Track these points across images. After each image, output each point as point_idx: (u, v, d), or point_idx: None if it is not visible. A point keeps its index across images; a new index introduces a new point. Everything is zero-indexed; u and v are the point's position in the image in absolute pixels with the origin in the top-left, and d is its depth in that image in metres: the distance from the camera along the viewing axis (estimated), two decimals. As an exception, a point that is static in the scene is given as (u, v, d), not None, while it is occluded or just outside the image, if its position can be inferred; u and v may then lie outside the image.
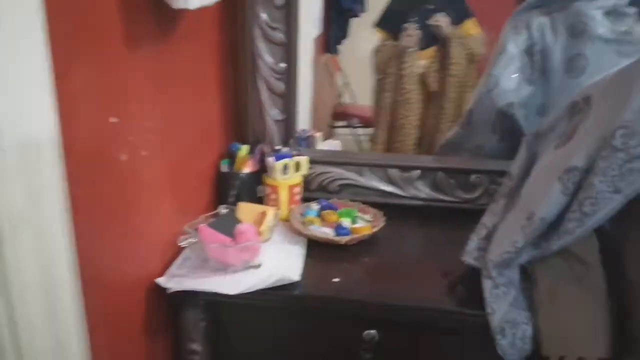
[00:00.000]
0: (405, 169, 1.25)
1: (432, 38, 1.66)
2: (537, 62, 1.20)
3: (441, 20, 1.63)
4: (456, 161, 1.26)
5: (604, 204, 0.72)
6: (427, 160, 1.28)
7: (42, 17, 0.61)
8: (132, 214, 0.88)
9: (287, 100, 1.25)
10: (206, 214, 1.06)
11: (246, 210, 1.08)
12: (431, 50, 1.69)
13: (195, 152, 1.13)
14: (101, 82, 0.76)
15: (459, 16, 1.72)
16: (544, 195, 0.78)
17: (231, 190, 1.17)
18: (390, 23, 1.72)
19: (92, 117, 0.74)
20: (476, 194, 1.23)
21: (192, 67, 1.07)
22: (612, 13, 1.17)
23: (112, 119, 0.79)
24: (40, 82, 0.62)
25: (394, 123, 1.69)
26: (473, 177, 1.23)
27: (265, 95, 1.24)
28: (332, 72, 2.26)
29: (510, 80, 1.21)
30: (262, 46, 1.20)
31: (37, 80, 0.62)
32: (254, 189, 1.21)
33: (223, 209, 1.08)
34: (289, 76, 1.23)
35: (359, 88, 1.91)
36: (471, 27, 1.75)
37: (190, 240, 0.98)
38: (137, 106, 0.86)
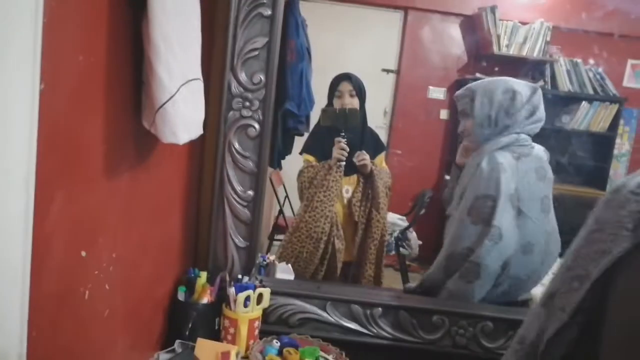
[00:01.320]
0: (367, 305, 1.23)
1: (352, 166, 1.76)
2: (521, 205, 1.24)
3: (366, 158, 1.74)
4: (417, 300, 1.26)
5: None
6: (389, 298, 1.27)
7: (33, 155, 0.57)
8: (87, 354, 0.78)
9: (252, 227, 1.22)
10: (160, 351, 0.96)
11: (206, 348, 0.99)
12: (354, 179, 1.79)
13: (153, 278, 1.05)
14: (78, 213, 0.70)
15: (375, 150, 1.87)
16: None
17: (187, 321, 1.08)
18: (316, 148, 1.81)
19: (63, 252, 0.68)
20: (438, 335, 1.22)
21: (160, 192, 1.04)
22: None
23: (83, 253, 0.73)
24: (20, 217, 0.57)
25: (298, 228, 1.71)
26: (435, 318, 1.23)
27: (230, 221, 1.21)
28: (275, 187, 2.30)
29: (509, 230, 1.22)
30: (232, 173, 1.20)
31: (16, 215, 0.57)
32: (212, 321, 1.13)
33: (179, 346, 0.99)
34: (255, 204, 1.22)
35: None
36: (382, 160, 1.90)
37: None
38: (107, 237, 0.80)
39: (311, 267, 1.72)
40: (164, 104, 0.79)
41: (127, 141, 0.84)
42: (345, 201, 1.81)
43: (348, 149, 1.71)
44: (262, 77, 1.19)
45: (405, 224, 2.20)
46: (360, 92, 1.81)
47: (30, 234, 0.58)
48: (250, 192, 1.21)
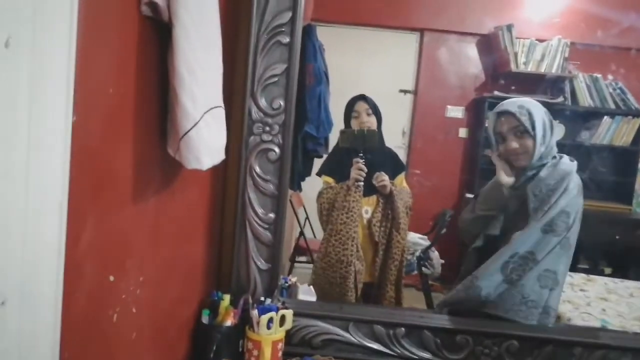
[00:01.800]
0: (390, 325, 1.23)
1: (371, 187, 1.77)
2: None
3: (385, 179, 1.75)
4: (441, 320, 1.25)
5: None
6: (412, 318, 1.26)
7: (66, 182, 0.60)
8: (114, 379, 0.80)
9: (274, 250, 1.24)
10: (185, 375, 0.97)
11: (230, 370, 1.00)
12: (373, 200, 1.79)
13: (178, 301, 1.07)
14: (107, 238, 0.73)
15: (395, 170, 1.87)
16: None
17: (212, 344, 1.09)
18: (335, 169, 1.83)
19: (93, 276, 0.70)
20: (462, 354, 1.21)
21: (184, 216, 1.07)
22: None
23: (111, 278, 0.75)
24: (54, 243, 0.60)
25: (326, 253, 1.72)
26: (459, 338, 1.22)
27: (252, 244, 1.23)
28: (295, 208, 2.32)
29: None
30: (253, 196, 1.23)
31: (51, 241, 0.59)
32: (236, 343, 1.14)
33: (204, 369, 1.00)
34: (277, 226, 1.24)
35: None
36: (403, 180, 1.90)
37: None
38: (135, 261, 0.83)
39: (345, 291, 1.73)
40: (188, 131, 0.82)
41: (153, 167, 0.87)
42: (365, 222, 1.82)
43: (366, 170, 1.72)
44: (282, 102, 1.22)
45: (426, 243, 2.19)
46: (376, 111, 1.84)
47: (63, 259, 0.60)
48: (272, 215, 1.23)
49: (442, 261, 2.19)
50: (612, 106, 2.74)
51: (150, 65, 0.82)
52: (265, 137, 1.23)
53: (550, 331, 1.26)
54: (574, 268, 1.96)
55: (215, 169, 1.19)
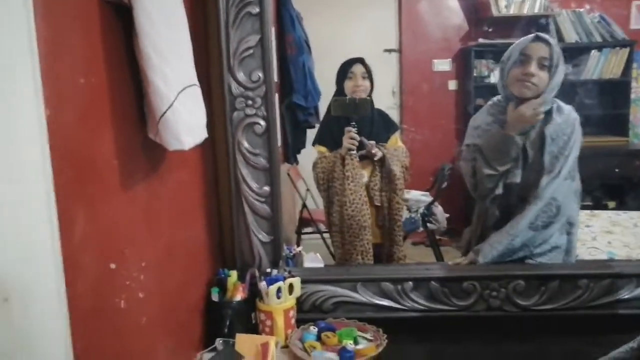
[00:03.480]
0: (397, 281, 1.25)
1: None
2: None
3: (376, 150, 1.74)
4: (446, 270, 1.27)
5: None
6: (418, 271, 1.28)
7: (48, 165, 0.60)
8: (130, 363, 0.81)
9: (274, 222, 1.25)
10: (203, 351, 0.99)
11: (246, 342, 1.02)
12: (369, 164, 1.79)
13: (185, 283, 1.09)
14: (100, 228, 0.74)
15: (388, 131, 1.87)
16: None
17: (224, 320, 1.11)
18: (327, 138, 1.83)
19: (93, 266, 0.71)
20: (471, 300, 1.23)
21: (178, 198, 1.07)
22: None
23: (112, 265, 0.76)
24: (47, 234, 0.60)
25: (344, 225, 1.73)
26: (465, 284, 1.23)
27: (251, 218, 1.24)
28: (294, 181, 2.33)
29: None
30: (245, 172, 1.23)
31: (43, 231, 0.60)
32: (248, 316, 1.16)
33: (220, 343, 1.02)
34: (273, 199, 1.25)
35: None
36: (397, 140, 1.90)
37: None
38: (134, 248, 0.83)
39: (366, 254, 1.74)
40: (165, 112, 0.82)
41: (138, 153, 0.87)
42: (365, 185, 1.82)
43: (359, 138, 1.72)
44: (260, 74, 1.21)
45: (429, 199, 2.20)
46: (371, 76, 1.83)
47: (59, 250, 0.61)
48: (267, 188, 1.24)
49: (447, 215, 2.20)
50: (599, 39, 2.70)
51: (119, 51, 0.81)
52: (249, 111, 1.22)
53: (555, 268, 1.28)
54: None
55: (203, 148, 1.20)
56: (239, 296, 1.14)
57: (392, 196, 1.79)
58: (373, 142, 1.75)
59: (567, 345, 1.18)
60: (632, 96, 2.70)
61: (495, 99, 1.44)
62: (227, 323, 1.10)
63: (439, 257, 2.07)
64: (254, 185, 1.23)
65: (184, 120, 0.86)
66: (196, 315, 1.11)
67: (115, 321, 0.77)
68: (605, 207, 2.36)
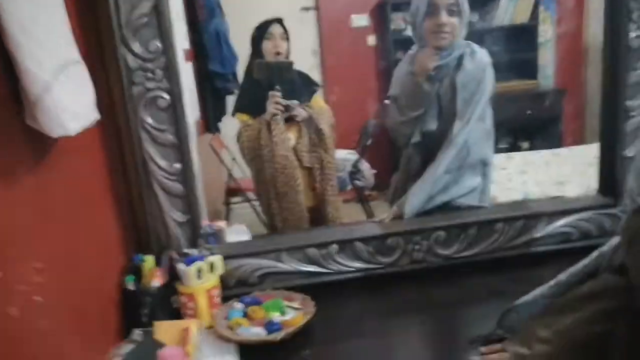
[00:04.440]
0: (322, 245, 1.24)
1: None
2: None
3: (298, 111, 1.71)
4: (368, 228, 1.27)
5: None
6: (342, 233, 1.28)
7: None
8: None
9: (188, 200, 1.19)
10: (118, 345, 0.94)
11: (166, 329, 0.98)
12: (294, 126, 1.77)
13: (95, 275, 1.02)
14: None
15: (310, 92, 1.84)
16: None
17: (143, 309, 1.06)
18: (249, 105, 1.77)
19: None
20: (396, 256, 1.25)
21: (76, 185, 0.99)
22: None
23: (-4, 272, 0.68)
24: None
25: (278, 192, 1.71)
26: (389, 241, 1.25)
27: (163, 199, 1.17)
28: (217, 151, 2.25)
29: None
30: (152, 150, 1.15)
31: None
32: (168, 301, 1.11)
33: (138, 334, 0.98)
34: (186, 176, 1.18)
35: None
36: (320, 100, 1.88)
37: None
38: (21, 250, 0.76)
39: (304, 219, 1.74)
40: (40, 96, 0.73)
41: (17, 144, 0.78)
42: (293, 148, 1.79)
43: (284, 102, 1.67)
44: (159, 44, 1.12)
45: (355, 157, 2.21)
46: (288, 38, 1.76)
47: None
48: (178, 165, 1.17)
49: (374, 171, 2.22)
50: (507, -18, 2.76)
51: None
52: (150, 84, 1.13)
53: (472, 215, 1.32)
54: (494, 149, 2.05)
55: (103, 129, 1.11)
56: (157, 282, 1.09)
57: (324, 156, 1.77)
58: (296, 102, 1.72)
59: (489, 287, 1.23)
60: (540, 40, 2.80)
61: (411, 50, 1.45)
62: (146, 311, 1.05)
63: (370, 214, 2.10)
64: (163, 164, 1.16)
65: (65, 104, 0.78)
66: (111, 308, 1.05)
67: (8, 331, 0.70)
68: (519, 149, 2.48)
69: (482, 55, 1.38)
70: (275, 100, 1.66)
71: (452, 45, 1.35)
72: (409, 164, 1.48)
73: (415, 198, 1.35)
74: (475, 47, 1.39)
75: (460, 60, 1.36)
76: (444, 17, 1.33)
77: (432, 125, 1.40)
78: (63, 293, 0.85)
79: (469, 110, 1.35)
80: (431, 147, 1.41)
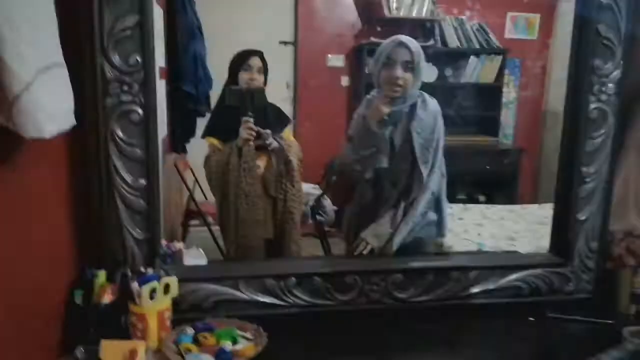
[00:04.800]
0: (280, 277, 1.23)
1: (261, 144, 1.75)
2: None
3: (270, 140, 1.73)
4: (329, 264, 1.28)
5: None
6: (302, 266, 1.27)
7: None
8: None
9: (149, 217, 1.16)
10: (60, 362, 0.89)
11: (111, 349, 0.94)
12: (264, 155, 1.78)
13: (40, 288, 0.96)
14: None
15: (281, 124, 1.87)
16: None
17: (90, 326, 1.01)
18: (219, 130, 1.78)
19: None
20: (353, 294, 1.26)
21: (37, 190, 0.95)
22: None
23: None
24: None
25: (239, 219, 1.70)
26: (347, 279, 1.25)
27: (124, 214, 1.14)
28: (181, 172, 2.23)
29: None
30: (119, 163, 1.13)
31: None
32: (117, 320, 1.07)
33: (80, 351, 0.93)
34: (149, 193, 1.16)
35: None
36: (290, 134, 1.91)
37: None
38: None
39: (261, 250, 1.74)
40: (19, 95, 0.72)
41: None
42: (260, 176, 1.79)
43: (256, 129, 1.68)
44: (139, 59, 1.12)
45: (318, 192, 2.22)
46: (266, 70, 1.79)
47: None
48: (142, 181, 1.15)
49: (335, 208, 2.24)
50: (477, 46, 2.91)
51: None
52: (125, 97, 1.12)
53: (430, 260, 1.35)
54: (453, 199, 2.11)
55: (71, 137, 1.08)
56: (107, 298, 1.05)
57: (289, 188, 1.78)
58: (269, 131, 1.73)
59: (440, 335, 1.25)
60: (504, 100, 2.95)
61: (371, 94, 1.56)
62: (93, 329, 1.00)
63: (327, 250, 2.11)
64: (128, 178, 1.14)
65: (44, 105, 0.76)
66: (55, 322, 1.00)
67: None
68: (477, 201, 2.57)
69: (433, 105, 1.51)
70: (248, 125, 1.67)
71: (404, 96, 1.47)
72: (362, 198, 1.59)
73: (400, 236, 1.47)
74: (427, 96, 1.52)
75: (412, 109, 1.49)
76: (399, 72, 1.45)
77: (384, 163, 1.51)
78: (1, 309, 0.80)
79: (429, 154, 1.48)
80: (384, 183, 1.55)
